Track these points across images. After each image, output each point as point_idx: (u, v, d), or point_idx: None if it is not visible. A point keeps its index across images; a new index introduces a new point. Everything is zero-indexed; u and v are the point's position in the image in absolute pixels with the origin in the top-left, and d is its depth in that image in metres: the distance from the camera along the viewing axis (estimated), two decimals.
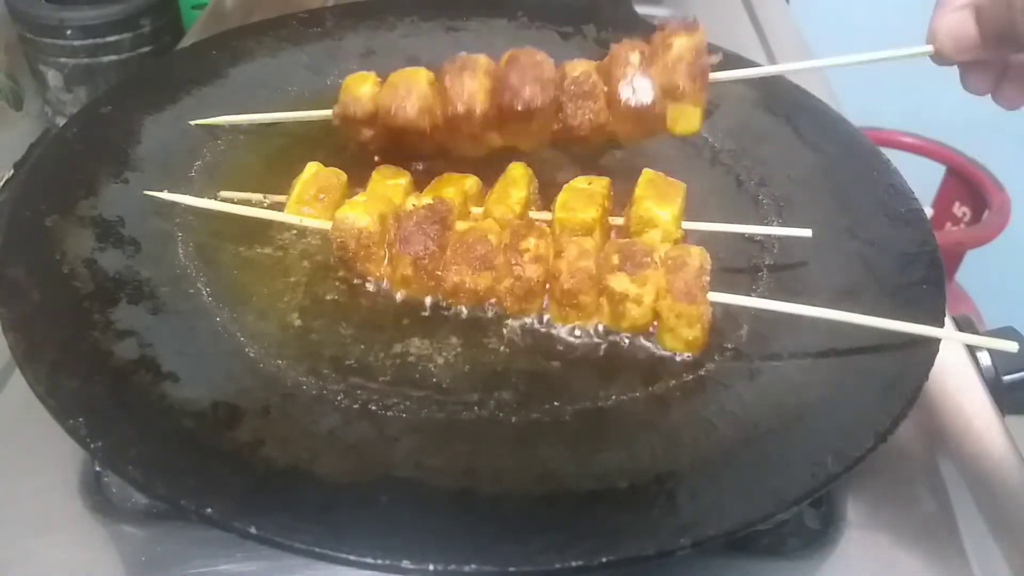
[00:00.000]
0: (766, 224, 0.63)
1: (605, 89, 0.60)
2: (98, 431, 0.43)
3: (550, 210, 0.59)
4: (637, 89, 0.59)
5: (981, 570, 0.49)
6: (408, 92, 0.61)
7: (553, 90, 0.60)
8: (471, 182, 0.61)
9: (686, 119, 0.60)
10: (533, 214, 0.60)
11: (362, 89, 0.63)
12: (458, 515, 0.42)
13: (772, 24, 1.09)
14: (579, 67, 0.61)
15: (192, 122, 0.67)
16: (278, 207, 0.60)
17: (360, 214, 0.55)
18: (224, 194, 0.62)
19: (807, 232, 0.58)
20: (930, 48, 0.54)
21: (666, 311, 0.51)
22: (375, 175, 0.61)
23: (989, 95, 0.55)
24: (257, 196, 0.62)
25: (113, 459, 0.42)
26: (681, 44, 0.58)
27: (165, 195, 0.59)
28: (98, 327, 0.50)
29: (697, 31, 0.59)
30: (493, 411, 0.48)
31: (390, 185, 0.60)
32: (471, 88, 0.60)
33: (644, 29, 0.82)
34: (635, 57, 0.59)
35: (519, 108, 0.59)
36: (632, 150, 0.67)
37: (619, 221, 0.59)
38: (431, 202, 0.56)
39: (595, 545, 0.40)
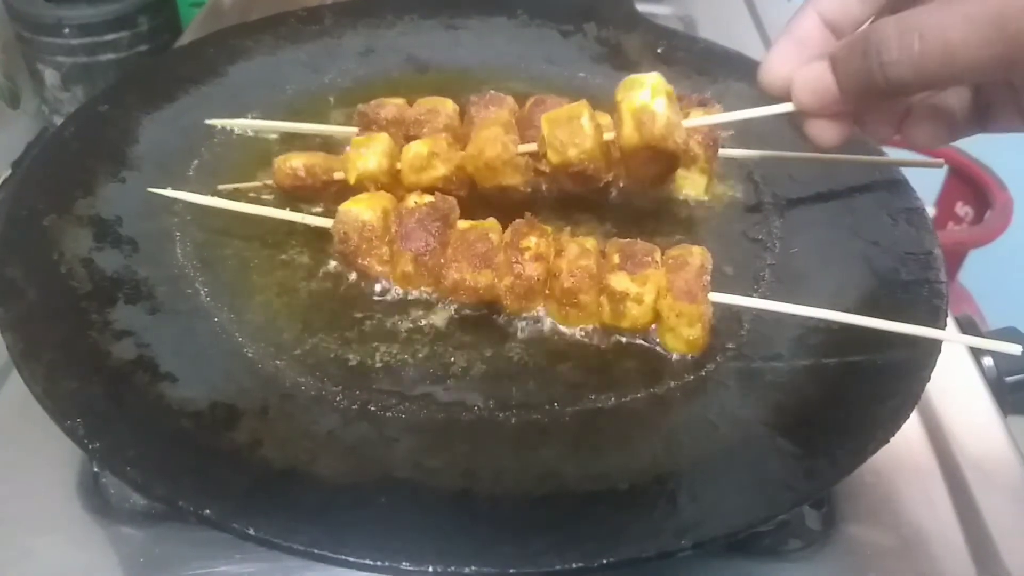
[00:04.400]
0: (766, 224, 0.62)
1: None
2: (96, 431, 0.43)
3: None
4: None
5: (982, 570, 0.49)
6: (436, 107, 0.64)
7: None
8: None
9: (693, 185, 0.64)
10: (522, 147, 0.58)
11: (391, 99, 0.65)
12: (458, 516, 0.42)
13: (773, 23, 1.08)
14: None
15: (208, 121, 0.67)
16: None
17: (363, 208, 0.55)
18: (223, 188, 0.61)
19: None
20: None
21: (667, 311, 0.51)
22: None
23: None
24: (256, 185, 0.62)
25: (111, 460, 0.42)
26: (696, 115, 0.61)
27: (168, 192, 0.59)
28: (96, 327, 0.50)
29: (713, 106, 0.62)
30: (493, 411, 0.48)
31: None
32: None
33: (644, 28, 0.82)
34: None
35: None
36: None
37: None
38: (433, 199, 0.56)
39: (595, 546, 0.39)
